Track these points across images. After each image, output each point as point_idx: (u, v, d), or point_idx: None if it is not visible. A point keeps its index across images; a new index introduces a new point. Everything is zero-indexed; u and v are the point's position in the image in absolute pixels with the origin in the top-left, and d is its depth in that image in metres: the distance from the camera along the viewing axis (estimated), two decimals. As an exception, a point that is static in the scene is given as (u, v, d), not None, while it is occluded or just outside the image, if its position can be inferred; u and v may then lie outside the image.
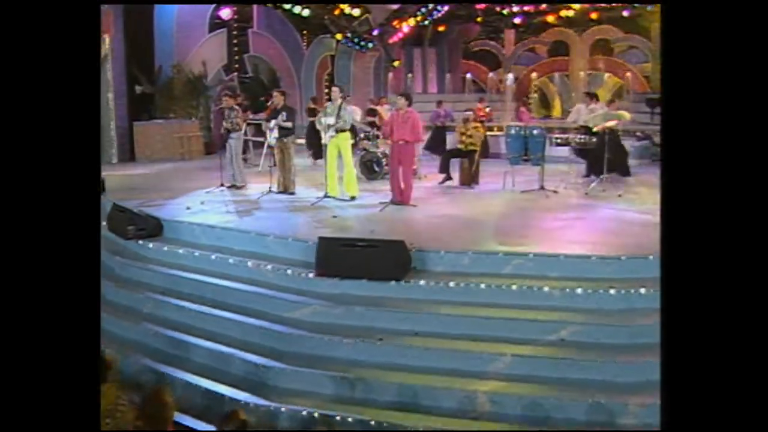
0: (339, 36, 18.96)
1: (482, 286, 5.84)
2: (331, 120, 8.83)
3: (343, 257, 6.09)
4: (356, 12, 18.88)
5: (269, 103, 9.94)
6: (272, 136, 9.53)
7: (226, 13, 17.12)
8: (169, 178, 11.79)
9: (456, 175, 10.32)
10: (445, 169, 10.41)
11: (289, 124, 9.45)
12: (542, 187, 9.45)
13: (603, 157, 9.55)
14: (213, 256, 7.12)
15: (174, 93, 15.33)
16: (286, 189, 9.67)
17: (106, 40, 13.92)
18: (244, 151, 12.98)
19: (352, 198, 9.04)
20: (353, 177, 9.22)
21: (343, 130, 9.02)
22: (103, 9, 13.69)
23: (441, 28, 22.30)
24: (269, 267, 6.61)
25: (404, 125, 8.55)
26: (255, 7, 17.87)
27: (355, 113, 12.85)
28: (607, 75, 21.66)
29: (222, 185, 10.16)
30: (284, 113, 9.41)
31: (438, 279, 6.00)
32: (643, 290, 5.61)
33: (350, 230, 7.37)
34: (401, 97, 8.91)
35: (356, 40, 19.27)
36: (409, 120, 8.58)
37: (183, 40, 16.19)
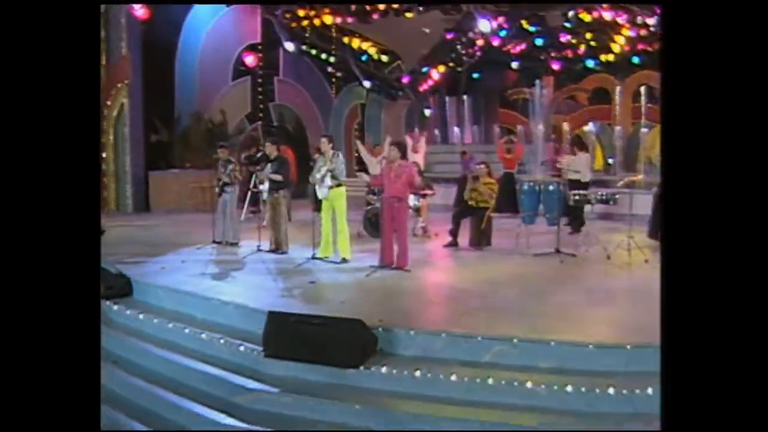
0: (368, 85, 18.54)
1: (453, 377, 4.87)
2: (320, 175, 8.05)
3: (295, 336, 5.24)
4: (385, 58, 18.50)
5: (259, 154, 9.32)
6: (265, 190, 8.89)
7: (250, 60, 16.96)
8: (170, 231, 11.35)
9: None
10: (454, 231, 9.32)
11: (279, 177, 8.73)
12: (557, 251, 8.40)
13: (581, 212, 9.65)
14: (170, 325, 6.43)
15: (191, 142, 15.07)
16: (278, 248, 8.94)
17: (124, 90, 13.85)
18: (255, 203, 12.47)
19: (344, 260, 8.16)
20: (345, 238, 8.23)
21: (338, 185, 8.17)
22: (121, 54, 13.65)
23: (476, 75, 21.65)
24: (222, 341, 5.86)
25: (397, 180, 7.58)
26: (281, 54, 17.63)
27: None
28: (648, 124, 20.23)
29: (214, 242, 9.57)
30: (273, 165, 8.71)
31: (403, 366, 5.06)
32: (650, 390, 4.55)
33: (323, 300, 6.56)
34: (393, 148, 7.75)
35: (385, 88, 18.83)
36: (403, 175, 7.60)
37: (205, 88, 16.04)
